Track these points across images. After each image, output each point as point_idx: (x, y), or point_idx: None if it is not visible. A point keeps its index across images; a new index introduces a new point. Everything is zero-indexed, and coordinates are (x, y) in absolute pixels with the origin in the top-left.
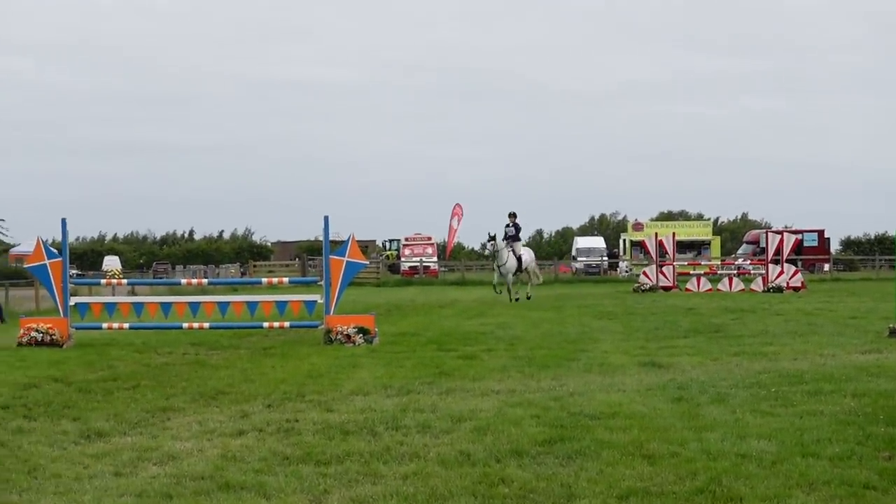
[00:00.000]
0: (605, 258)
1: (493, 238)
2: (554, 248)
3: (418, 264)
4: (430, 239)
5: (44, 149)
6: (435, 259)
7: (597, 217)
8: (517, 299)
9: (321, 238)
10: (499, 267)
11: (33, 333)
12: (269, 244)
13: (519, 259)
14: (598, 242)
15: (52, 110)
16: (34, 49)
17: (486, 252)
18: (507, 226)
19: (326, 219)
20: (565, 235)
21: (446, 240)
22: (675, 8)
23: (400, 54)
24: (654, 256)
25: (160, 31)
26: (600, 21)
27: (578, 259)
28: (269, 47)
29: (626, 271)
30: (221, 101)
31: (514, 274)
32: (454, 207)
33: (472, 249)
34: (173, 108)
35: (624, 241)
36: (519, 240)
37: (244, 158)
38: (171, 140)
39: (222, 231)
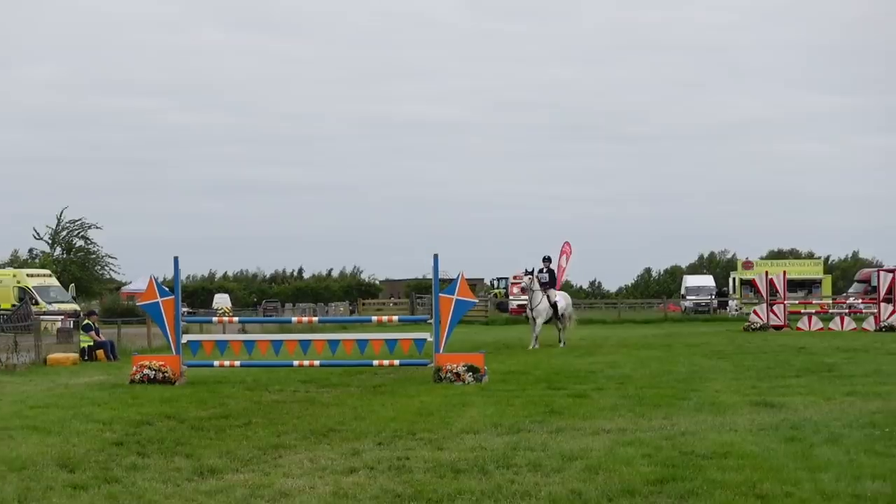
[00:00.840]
0: (715, 297)
1: (530, 273)
2: (662, 286)
3: (527, 303)
4: None
5: (157, 188)
6: None
7: (706, 255)
8: (560, 341)
9: (430, 276)
10: (530, 310)
11: (146, 371)
12: (377, 282)
13: (554, 305)
14: (708, 281)
15: (165, 150)
16: (158, 90)
17: (522, 286)
18: (541, 271)
19: (436, 257)
20: (674, 274)
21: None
22: (786, 46)
23: (511, 93)
24: (764, 295)
25: (274, 72)
26: (710, 59)
27: (688, 297)
28: (381, 86)
29: (736, 310)
30: (332, 141)
31: (547, 321)
32: (563, 246)
33: (581, 288)
34: (283, 147)
35: (733, 279)
36: (552, 287)
37: (353, 196)
38: (280, 179)
39: (331, 269)
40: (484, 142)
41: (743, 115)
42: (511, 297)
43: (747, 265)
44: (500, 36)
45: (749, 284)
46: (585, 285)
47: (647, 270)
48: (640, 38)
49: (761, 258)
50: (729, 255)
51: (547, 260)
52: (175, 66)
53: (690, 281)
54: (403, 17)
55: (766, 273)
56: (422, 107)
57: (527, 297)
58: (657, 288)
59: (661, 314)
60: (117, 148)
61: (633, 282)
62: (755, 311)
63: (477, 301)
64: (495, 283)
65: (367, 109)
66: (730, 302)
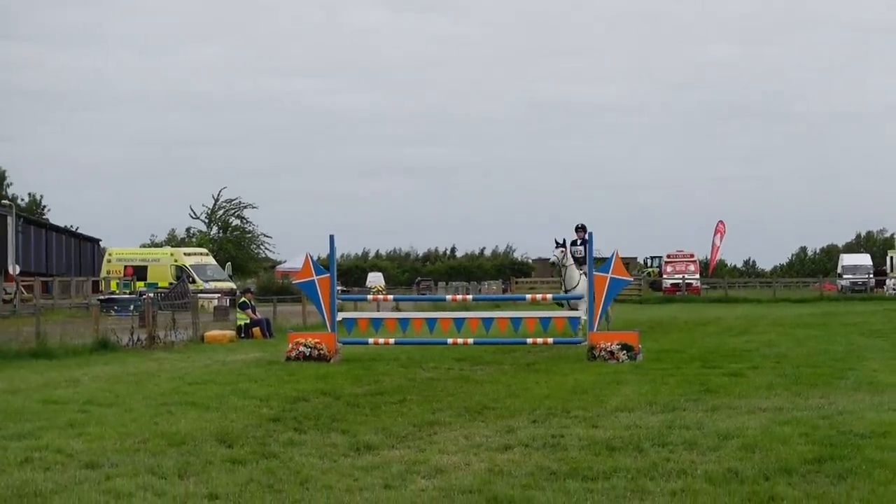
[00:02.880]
0: (872, 276)
1: (561, 244)
2: (818, 265)
3: (680, 281)
4: (692, 256)
5: (313, 168)
6: (697, 276)
7: (863, 234)
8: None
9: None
10: (566, 291)
11: (301, 348)
12: (529, 261)
13: None
14: (865, 260)
15: (322, 130)
16: (314, 72)
17: (551, 261)
18: (575, 242)
19: (590, 235)
20: (830, 252)
21: (709, 257)
22: None
23: (669, 74)
24: None
25: (431, 52)
26: (869, 39)
27: (844, 276)
28: (540, 66)
29: (894, 288)
30: (487, 120)
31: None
32: (717, 225)
33: (735, 267)
34: (439, 126)
35: (891, 258)
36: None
37: (508, 176)
38: (434, 160)
39: (483, 248)
40: (640, 122)
41: None
42: (664, 276)
43: None
44: (662, 17)
45: None
46: (740, 264)
47: (803, 249)
48: (804, 15)
49: None
50: (887, 235)
51: (581, 229)
52: (335, 47)
53: (847, 260)
54: None
55: None
56: (579, 87)
57: (561, 277)
58: (813, 267)
59: (817, 293)
60: (275, 129)
61: (787, 261)
62: None
63: (631, 279)
64: (649, 261)
65: (523, 89)
66: (888, 281)
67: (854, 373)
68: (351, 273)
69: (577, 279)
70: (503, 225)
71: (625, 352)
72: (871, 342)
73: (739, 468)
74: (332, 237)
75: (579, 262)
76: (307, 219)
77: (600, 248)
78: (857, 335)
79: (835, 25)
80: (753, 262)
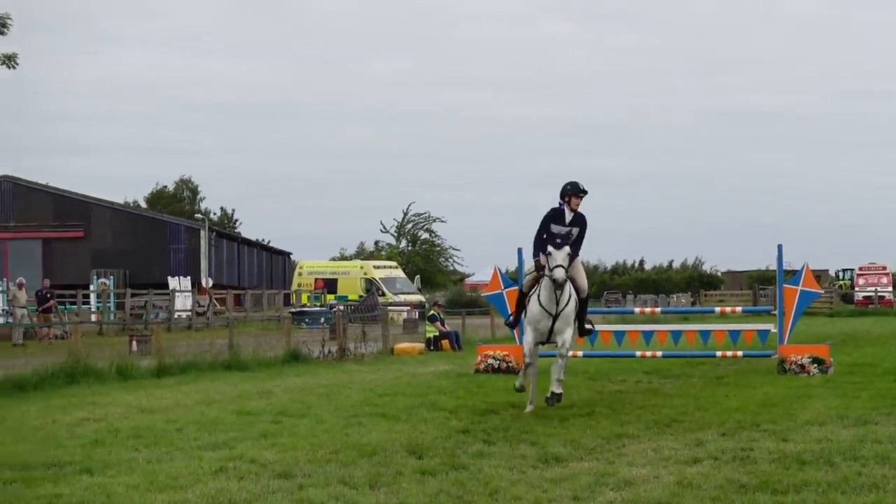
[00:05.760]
0: None
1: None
2: None
3: (873, 294)
4: (885, 268)
5: (498, 180)
6: (890, 289)
7: None
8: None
9: (773, 267)
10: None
11: (490, 360)
12: (719, 273)
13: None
14: None
15: (502, 142)
16: (495, 84)
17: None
18: (559, 217)
19: (780, 247)
20: None
21: None
22: None
23: (858, 81)
24: None
25: (609, 64)
26: None
27: None
28: (723, 77)
29: None
30: (673, 132)
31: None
32: None
33: None
34: (622, 138)
35: None
36: (577, 255)
37: (695, 187)
38: (616, 170)
39: (672, 261)
40: (828, 132)
41: None
42: (856, 289)
43: None
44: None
45: None
46: None
47: None
48: None
49: None
50: None
51: (573, 192)
52: (514, 60)
53: None
54: (745, 4)
55: None
56: (761, 96)
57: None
58: None
59: None
60: (457, 142)
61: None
62: None
63: (822, 292)
64: (840, 274)
65: (709, 99)
66: None
67: None
68: None
69: (569, 295)
70: (691, 237)
71: (816, 365)
72: None
73: None
74: (519, 250)
75: (566, 245)
76: (495, 232)
77: (790, 261)
78: None
79: None
80: None
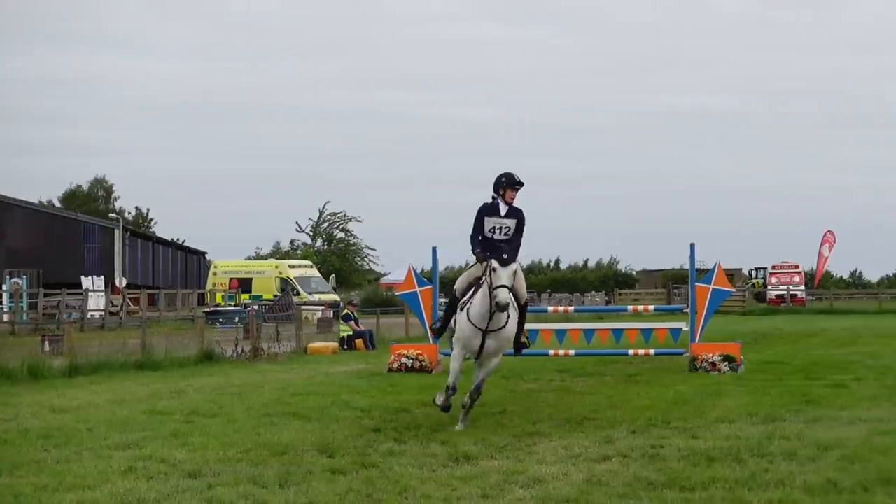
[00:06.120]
0: None
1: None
2: None
3: (785, 293)
4: (797, 267)
5: (417, 180)
6: (802, 287)
7: None
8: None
9: (686, 266)
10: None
11: (403, 359)
12: (633, 272)
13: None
14: None
15: (428, 142)
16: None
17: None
18: (494, 210)
19: (692, 246)
20: None
21: (814, 268)
22: None
23: (782, 83)
24: None
25: (543, 64)
26: None
27: None
28: (648, 77)
29: None
30: (596, 132)
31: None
32: (825, 234)
33: (841, 278)
34: (549, 138)
35: None
36: (515, 260)
37: (612, 188)
38: (540, 171)
39: (587, 260)
40: (747, 132)
41: None
42: (769, 288)
43: None
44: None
45: None
46: (846, 275)
47: None
48: None
49: None
50: None
51: (506, 184)
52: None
53: None
54: (677, 7)
55: None
56: (685, 97)
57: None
58: None
59: None
60: (380, 141)
61: (895, 272)
62: None
63: (734, 290)
64: (753, 273)
65: (632, 100)
66: None
67: None
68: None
69: (506, 317)
70: (607, 236)
71: (727, 363)
72: None
73: (838, 479)
74: (434, 249)
75: (502, 247)
76: (411, 232)
77: (704, 260)
78: None
79: None
80: (860, 273)
